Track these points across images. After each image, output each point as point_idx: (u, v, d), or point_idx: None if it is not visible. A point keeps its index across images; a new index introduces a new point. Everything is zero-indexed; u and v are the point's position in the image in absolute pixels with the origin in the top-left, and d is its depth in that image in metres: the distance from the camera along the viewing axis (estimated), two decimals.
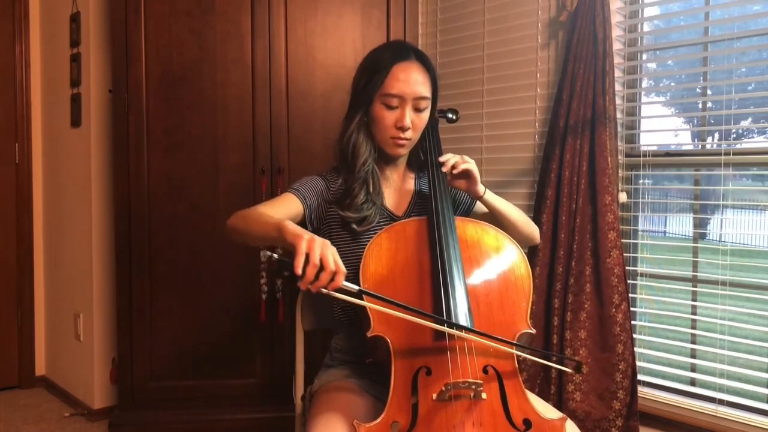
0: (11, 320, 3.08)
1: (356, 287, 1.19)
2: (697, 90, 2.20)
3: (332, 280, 1.15)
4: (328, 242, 1.17)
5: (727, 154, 1.99)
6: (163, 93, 2.28)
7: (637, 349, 2.14)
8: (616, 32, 2.20)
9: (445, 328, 1.24)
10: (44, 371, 3.14)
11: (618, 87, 2.20)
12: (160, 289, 2.33)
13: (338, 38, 2.35)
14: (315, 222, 1.52)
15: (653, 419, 2.10)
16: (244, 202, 2.30)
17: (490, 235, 1.45)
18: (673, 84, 2.39)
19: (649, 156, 2.18)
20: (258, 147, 2.31)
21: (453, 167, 1.49)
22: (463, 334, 1.25)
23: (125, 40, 2.25)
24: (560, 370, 2.09)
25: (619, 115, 2.18)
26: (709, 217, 2.33)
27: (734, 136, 2.11)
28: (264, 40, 2.29)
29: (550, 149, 2.20)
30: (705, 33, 2.11)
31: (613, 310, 2.05)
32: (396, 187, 1.58)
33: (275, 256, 1.15)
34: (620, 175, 2.19)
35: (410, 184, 1.60)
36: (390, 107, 1.45)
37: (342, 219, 1.48)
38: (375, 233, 1.41)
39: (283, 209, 1.46)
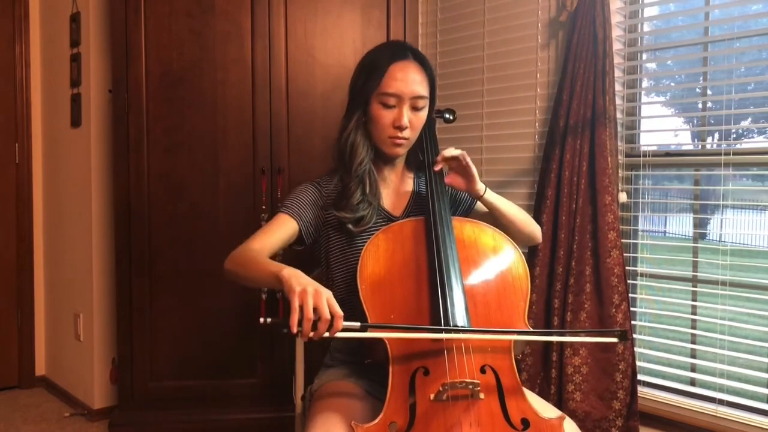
0: (11, 320, 3.08)
1: (358, 324, 1.19)
2: (697, 90, 2.20)
3: (331, 326, 1.14)
4: (321, 289, 1.16)
5: (727, 154, 1.99)
6: (163, 93, 2.28)
7: (637, 349, 2.14)
8: (616, 32, 2.20)
9: (442, 336, 1.23)
10: (44, 371, 3.14)
11: (618, 87, 2.20)
12: (160, 289, 2.33)
13: (338, 38, 2.35)
14: (313, 234, 1.52)
15: (653, 419, 2.10)
16: (244, 202, 2.31)
17: (487, 235, 1.45)
18: (673, 84, 2.39)
19: (649, 156, 2.18)
20: (258, 147, 2.31)
21: (446, 160, 1.49)
22: (460, 335, 1.24)
23: (125, 40, 2.25)
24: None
25: (619, 115, 2.18)
26: (709, 217, 2.33)
27: (734, 136, 2.11)
28: (264, 40, 2.29)
29: (550, 149, 2.20)
30: (705, 33, 2.11)
31: (613, 310, 2.05)
32: (394, 188, 1.58)
33: (269, 320, 1.16)
34: (620, 175, 2.19)
35: (408, 184, 1.60)
36: (387, 106, 1.45)
37: (338, 221, 1.48)
38: (372, 234, 1.41)
39: (278, 234, 1.46)
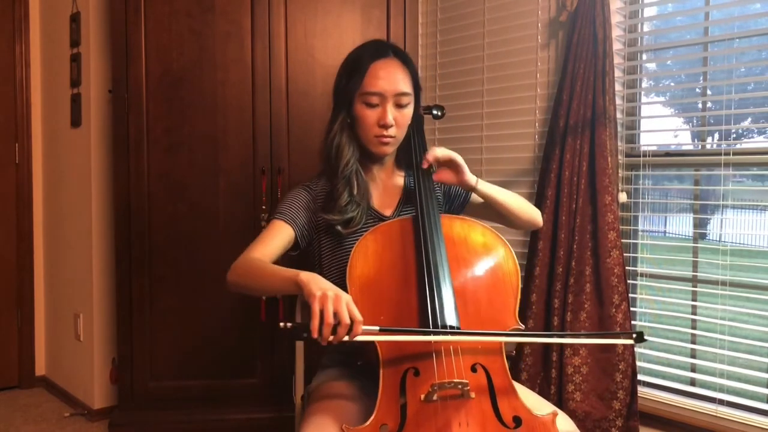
0: (11, 320, 3.08)
1: (376, 328, 1.20)
2: (697, 90, 2.20)
3: (351, 330, 1.15)
4: (341, 294, 1.16)
5: (727, 154, 1.99)
6: (163, 93, 2.28)
7: (637, 349, 2.14)
8: (616, 32, 2.20)
9: (431, 338, 1.23)
10: (44, 371, 3.14)
11: (618, 87, 2.20)
12: (160, 289, 2.33)
13: (338, 38, 2.35)
14: (307, 237, 1.52)
15: (653, 419, 2.10)
16: (244, 202, 2.30)
17: (476, 231, 1.44)
18: (672, 84, 2.39)
19: (649, 156, 2.18)
20: (258, 147, 2.31)
21: (433, 160, 1.48)
22: (449, 338, 1.24)
23: (125, 40, 2.25)
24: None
25: (619, 115, 2.18)
26: (709, 217, 2.33)
27: (734, 136, 2.11)
28: (264, 40, 2.29)
29: (550, 149, 2.20)
30: (705, 33, 2.11)
31: (613, 310, 2.05)
32: (384, 187, 1.57)
33: (289, 324, 1.16)
34: (620, 175, 2.19)
35: (399, 183, 1.59)
36: (371, 105, 1.45)
37: (328, 223, 1.48)
38: (362, 235, 1.40)
39: (276, 242, 1.46)
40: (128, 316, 2.33)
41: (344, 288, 1.32)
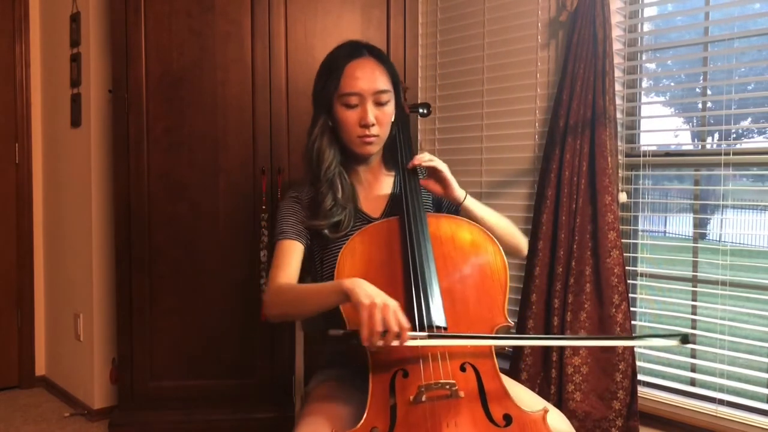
0: (11, 320, 3.08)
1: (425, 333, 1.21)
2: (697, 90, 2.20)
3: (398, 336, 1.16)
4: (389, 301, 1.17)
5: (727, 154, 1.99)
6: (163, 93, 2.28)
7: (637, 349, 2.14)
8: (616, 32, 2.20)
9: (419, 342, 1.22)
10: (44, 371, 3.14)
11: (618, 87, 2.20)
12: (160, 289, 2.33)
13: (338, 38, 2.31)
14: (311, 247, 1.52)
15: (653, 419, 2.10)
16: (244, 202, 2.30)
17: (464, 229, 1.43)
18: (672, 84, 2.39)
19: (649, 156, 2.18)
20: (258, 147, 2.31)
21: (422, 164, 1.46)
22: (437, 341, 1.23)
23: (125, 40, 2.25)
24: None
25: (619, 115, 2.18)
26: (709, 217, 2.33)
27: (734, 136, 2.11)
28: (264, 40, 2.29)
29: (550, 149, 2.20)
30: (705, 33, 2.11)
31: (613, 310, 2.05)
32: (371, 189, 1.57)
33: (340, 332, 1.19)
34: (620, 175, 2.19)
35: (387, 185, 1.59)
36: (350, 106, 1.45)
37: (316, 228, 1.48)
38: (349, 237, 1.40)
39: (294, 263, 1.46)
40: (128, 316, 2.33)
41: None
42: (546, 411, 1.22)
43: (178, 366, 2.36)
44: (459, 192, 1.48)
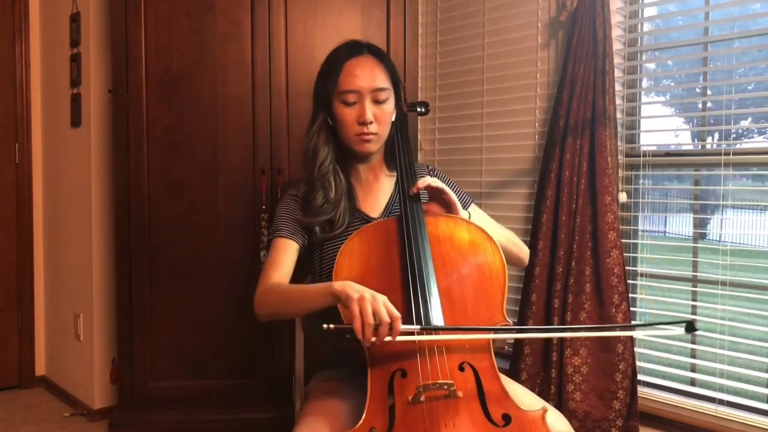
0: (11, 320, 3.08)
1: (417, 327, 1.21)
2: (697, 90, 2.20)
3: (391, 328, 1.16)
4: (377, 294, 1.17)
5: (727, 154, 1.99)
6: (163, 93, 2.28)
7: (637, 349, 2.14)
8: (616, 32, 2.20)
9: (413, 337, 1.22)
10: (44, 371, 3.14)
11: (618, 87, 2.20)
12: (160, 289, 2.33)
13: (338, 38, 2.31)
14: (307, 245, 1.52)
15: (653, 419, 2.10)
16: (244, 202, 2.30)
17: (462, 229, 1.43)
18: (672, 84, 2.39)
19: (649, 156, 2.18)
20: (258, 147, 2.31)
21: (424, 187, 1.43)
22: (433, 336, 1.24)
23: (125, 40, 2.25)
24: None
25: (619, 115, 2.18)
26: (709, 217, 2.33)
27: (734, 136, 2.11)
28: (264, 40, 2.29)
29: (550, 149, 2.20)
30: (705, 33, 2.11)
31: (613, 310, 2.05)
32: (371, 189, 1.56)
33: (332, 326, 1.18)
34: (620, 175, 2.19)
35: (388, 184, 1.58)
36: (349, 104, 1.45)
37: (309, 225, 1.48)
38: (348, 237, 1.40)
39: (288, 261, 1.47)
40: (128, 316, 2.33)
41: None
42: (545, 410, 1.22)
43: (178, 366, 2.36)
44: (462, 213, 1.46)
